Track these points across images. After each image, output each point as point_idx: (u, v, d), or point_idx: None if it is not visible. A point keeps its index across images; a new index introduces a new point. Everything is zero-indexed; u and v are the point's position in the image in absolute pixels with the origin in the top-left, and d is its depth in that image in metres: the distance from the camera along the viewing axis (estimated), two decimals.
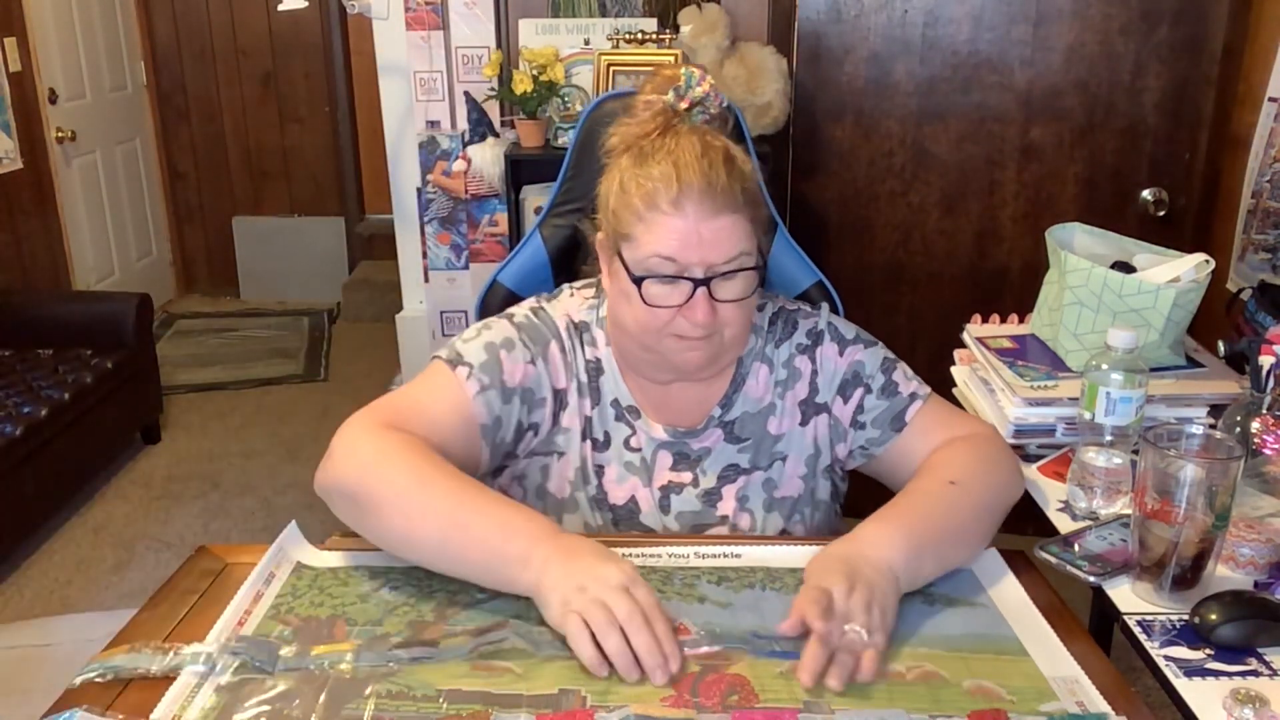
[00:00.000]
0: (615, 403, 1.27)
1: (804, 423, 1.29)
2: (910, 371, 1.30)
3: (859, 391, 1.27)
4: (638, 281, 1.14)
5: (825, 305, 1.35)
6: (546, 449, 1.26)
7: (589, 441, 1.26)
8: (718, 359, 1.21)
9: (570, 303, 1.30)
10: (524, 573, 0.97)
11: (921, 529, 1.06)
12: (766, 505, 1.27)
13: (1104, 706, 0.89)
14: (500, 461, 1.26)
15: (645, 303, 1.14)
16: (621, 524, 1.25)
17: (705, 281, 1.12)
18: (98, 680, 0.91)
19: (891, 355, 1.30)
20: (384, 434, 1.10)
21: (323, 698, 0.89)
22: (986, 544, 1.14)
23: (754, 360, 1.29)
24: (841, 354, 1.28)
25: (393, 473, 1.05)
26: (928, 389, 1.28)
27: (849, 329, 1.31)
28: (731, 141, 1.18)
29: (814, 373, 1.29)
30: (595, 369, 1.27)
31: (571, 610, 0.92)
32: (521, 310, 1.28)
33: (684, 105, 1.18)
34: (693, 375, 1.24)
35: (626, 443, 1.26)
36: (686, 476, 1.27)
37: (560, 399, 1.25)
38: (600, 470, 1.26)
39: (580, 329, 1.28)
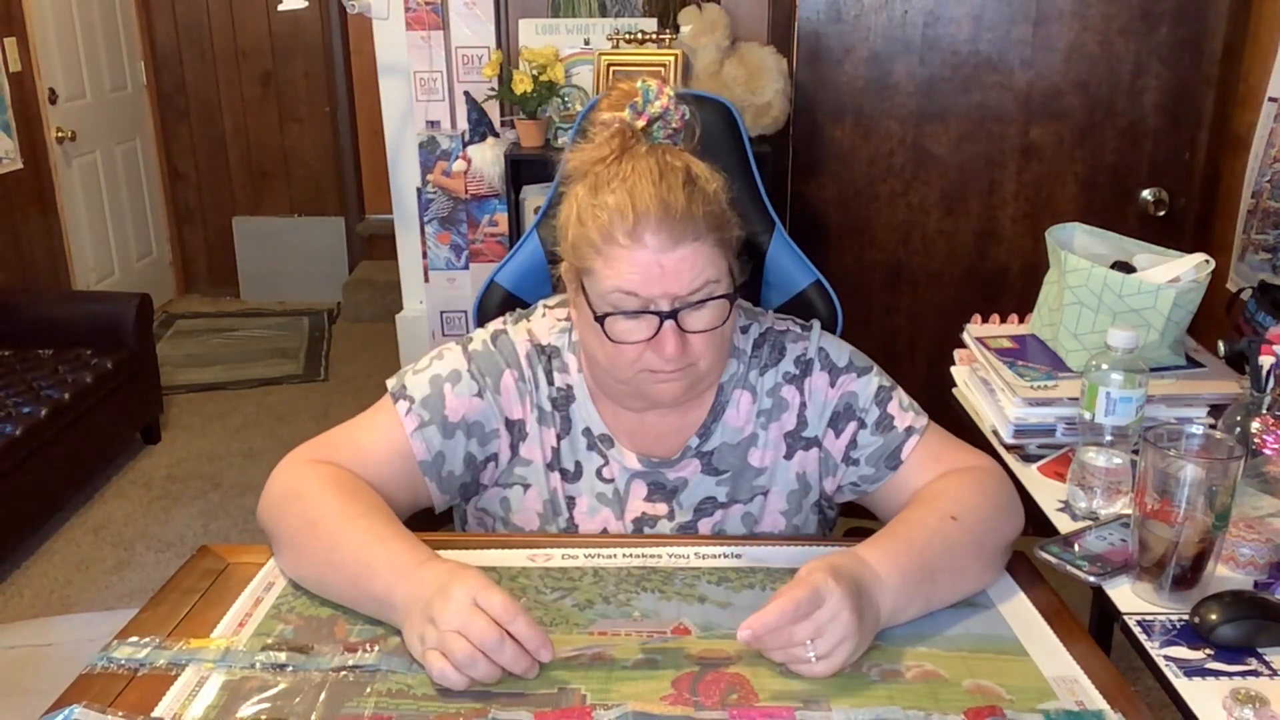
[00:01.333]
0: (587, 431, 1.21)
1: (789, 456, 1.23)
2: (906, 400, 1.22)
3: (852, 425, 1.20)
4: (600, 319, 1.08)
5: (817, 324, 1.27)
6: (507, 481, 1.22)
7: (558, 472, 1.21)
8: (695, 388, 1.16)
9: (540, 324, 1.24)
10: (391, 614, 0.96)
11: (919, 573, 1.00)
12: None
13: (1102, 705, 0.89)
14: (467, 493, 1.24)
15: (610, 340, 1.09)
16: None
17: (672, 314, 1.06)
18: (97, 673, 0.92)
19: (887, 383, 1.23)
20: (300, 470, 1.11)
21: (323, 695, 0.89)
22: (981, 585, 1.08)
23: (735, 387, 1.22)
24: (833, 385, 1.21)
25: (289, 513, 1.08)
26: (925, 419, 1.21)
27: (841, 354, 1.24)
28: (695, 158, 1.12)
29: (803, 405, 1.22)
30: (565, 396, 1.21)
31: (429, 649, 0.90)
32: (481, 335, 1.23)
33: (641, 123, 1.11)
34: (670, 406, 1.19)
35: (599, 473, 1.21)
36: (661, 509, 1.22)
37: (517, 430, 1.21)
38: (571, 502, 1.22)
39: (549, 354, 1.22)
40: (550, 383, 1.22)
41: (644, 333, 1.08)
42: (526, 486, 1.22)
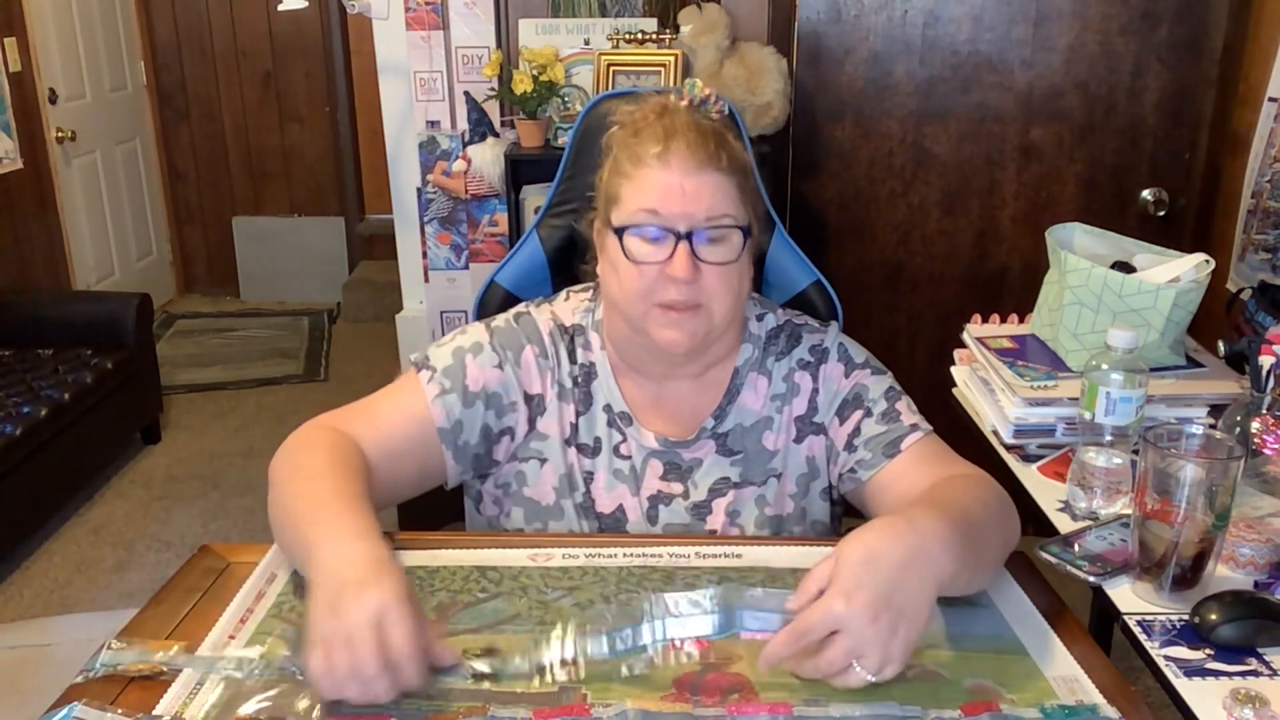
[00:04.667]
0: (607, 408, 1.25)
1: (799, 440, 1.26)
2: (914, 407, 1.25)
3: (858, 414, 1.23)
4: (619, 232, 1.14)
5: (835, 324, 1.32)
6: (524, 455, 1.25)
7: (575, 448, 1.24)
8: (704, 342, 1.18)
9: (563, 307, 1.29)
10: (307, 567, 0.96)
11: (970, 540, 0.96)
12: (759, 523, 1.24)
13: (1099, 700, 0.89)
14: (482, 469, 1.26)
15: (627, 257, 1.13)
16: (608, 534, 1.23)
17: (688, 236, 1.12)
18: (101, 674, 0.92)
19: (899, 387, 1.26)
20: (312, 432, 1.15)
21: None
22: (991, 578, 1.06)
23: (750, 371, 1.27)
24: (847, 375, 1.25)
25: (283, 463, 1.11)
26: (929, 427, 1.22)
27: (859, 353, 1.29)
28: (738, 144, 1.19)
29: (814, 391, 1.26)
30: (587, 373, 1.26)
31: (319, 639, 0.87)
32: (505, 315, 1.29)
33: (684, 102, 1.19)
34: (679, 360, 1.21)
35: (616, 450, 1.25)
36: (677, 488, 1.25)
37: (535, 404, 1.24)
38: (590, 477, 1.25)
39: (573, 333, 1.27)
40: (573, 361, 1.26)
41: (660, 255, 1.13)
42: (543, 461, 1.25)
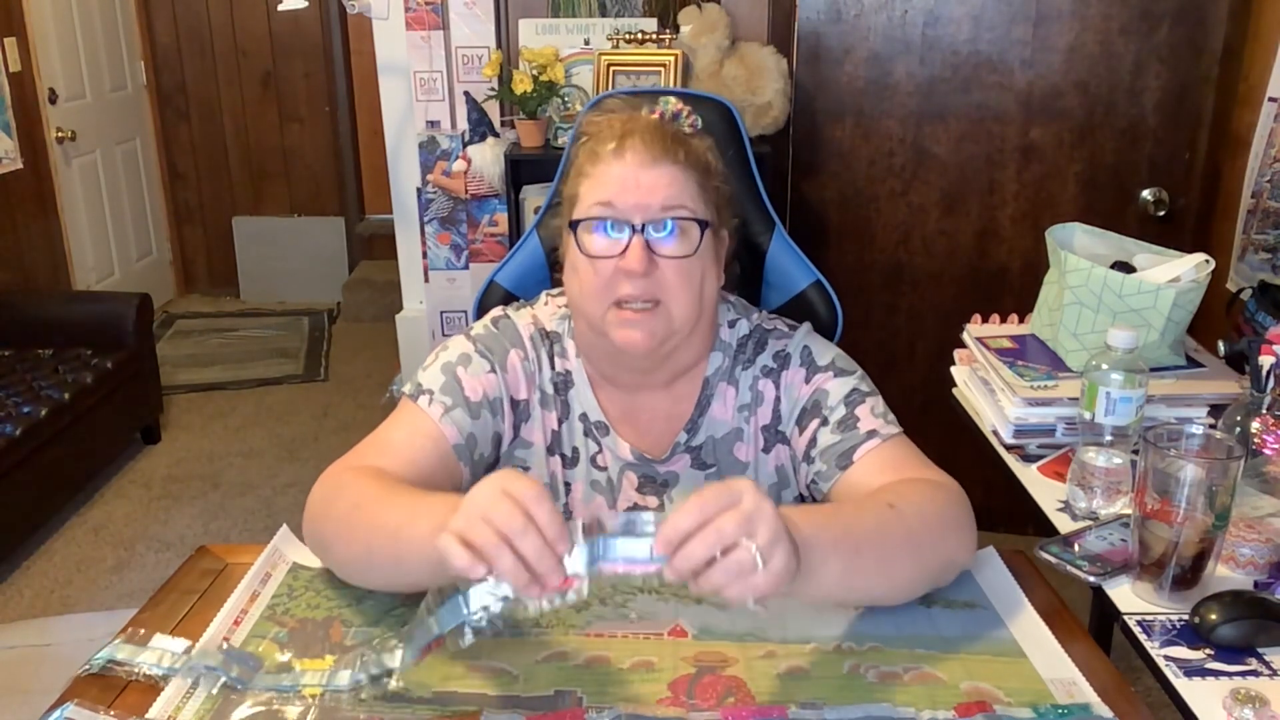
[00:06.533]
0: (584, 417, 1.23)
1: (767, 449, 1.24)
2: (881, 408, 1.18)
3: (814, 423, 1.18)
4: (574, 226, 1.12)
5: (806, 325, 1.27)
6: (509, 462, 1.24)
7: (557, 456, 1.23)
8: (665, 343, 1.14)
9: (543, 310, 1.27)
10: (434, 557, 0.84)
11: (839, 531, 0.93)
12: None
13: (1092, 698, 0.89)
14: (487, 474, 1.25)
15: (581, 251, 1.11)
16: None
17: (642, 229, 1.09)
18: (95, 674, 0.92)
19: (866, 388, 1.20)
20: (336, 476, 1.09)
21: (317, 701, 0.89)
22: (909, 594, 1.02)
23: (720, 381, 1.24)
24: (808, 381, 1.21)
25: (333, 509, 1.05)
26: (896, 430, 1.16)
27: (825, 354, 1.22)
28: (702, 145, 1.17)
29: (777, 399, 1.23)
30: (565, 381, 1.24)
31: (451, 539, 0.81)
32: (481, 323, 1.26)
33: (654, 115, 1.17)
34: (641, 364, 1.18)
35: (593, 460, 1.24)
36: (653, 502, 1.24)
37: (521, 410, 1.23)
38: (568, 488, 1.24)
39: (551, 338, 1.25)
40: (553, 367, 1.24)
41: (615, 249, 1.10)
42: (526, 469, 1.23)
